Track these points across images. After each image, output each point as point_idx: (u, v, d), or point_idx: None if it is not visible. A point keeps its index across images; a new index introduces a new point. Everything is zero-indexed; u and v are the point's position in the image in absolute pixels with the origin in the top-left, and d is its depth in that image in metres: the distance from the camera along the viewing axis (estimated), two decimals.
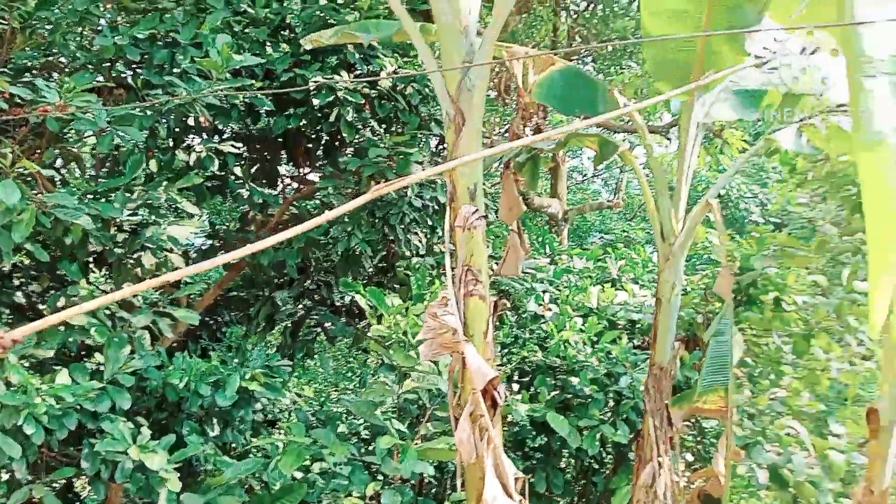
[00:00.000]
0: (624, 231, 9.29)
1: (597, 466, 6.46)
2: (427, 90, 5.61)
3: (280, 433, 5.59)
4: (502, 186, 4.10)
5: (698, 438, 6.57)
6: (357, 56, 5.47)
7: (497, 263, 5.08)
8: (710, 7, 3.58)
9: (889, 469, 3.91)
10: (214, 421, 5.00)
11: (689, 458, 6.46)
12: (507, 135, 4.99)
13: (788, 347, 6.14)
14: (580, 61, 7.90)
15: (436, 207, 5.88)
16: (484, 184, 5.83)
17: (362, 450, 4.99)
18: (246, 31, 5.31)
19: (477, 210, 3.64)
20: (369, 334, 5.08)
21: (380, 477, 4.94)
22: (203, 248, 6.75)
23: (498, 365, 6.47)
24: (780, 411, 6.13)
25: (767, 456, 5.80)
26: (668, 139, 6.83)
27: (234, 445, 5.25)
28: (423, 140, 6.01)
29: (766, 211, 7.50)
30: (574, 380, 5.77)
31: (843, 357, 6.15)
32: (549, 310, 6.51)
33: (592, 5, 6.89)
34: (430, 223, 6.01)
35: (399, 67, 5.58)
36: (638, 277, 7.58)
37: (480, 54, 3.50)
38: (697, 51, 3.81)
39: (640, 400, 5.21)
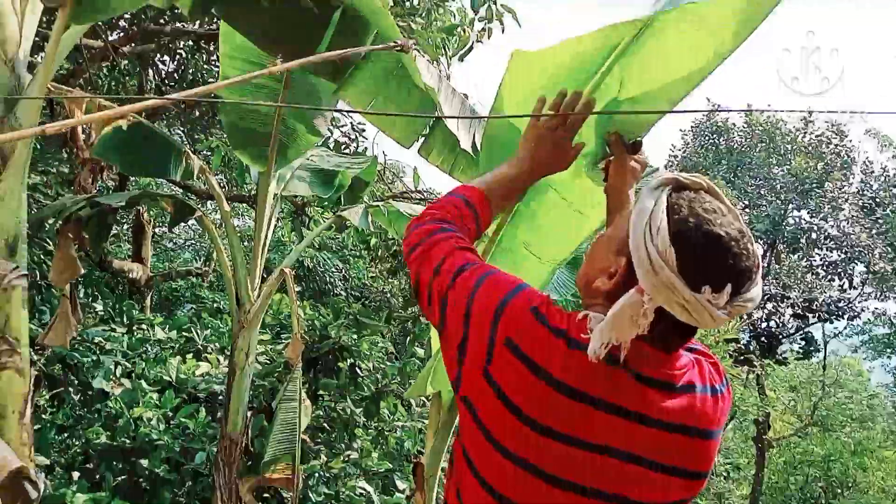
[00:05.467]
0: (214, 301, 9.08)
1: None
2: None
3: None
4: (57, 245, 3.62)
5: None
6: None
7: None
8: (287, 84, 3.80)
9: None
10: None
11: None
12: (73, 187, 4.49)
13: (360, 410, 6.60)
14: (168, 124, 7.64)
15: None
16: (39, 237, 5.13)
17: None
18: None
19: (17, 267, 3.14)
20: None
21: None
22: None
23: (55, 451, 5.61)
24: (353, 472, 6.49)
25: None
26: (254, 208, 7.00)
27: None
28: None
29: (348, 284, 8.17)
30: (144, 462, 5.30)
31: (405, 416, 6.86)
32: (121, 385, 5.93)
33: (182, 68, 6.78)
34: None
35: None
36: (225, 347, 7.41)
37: (30, 92, 3.10)
38: (274, 125, 3.99)
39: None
